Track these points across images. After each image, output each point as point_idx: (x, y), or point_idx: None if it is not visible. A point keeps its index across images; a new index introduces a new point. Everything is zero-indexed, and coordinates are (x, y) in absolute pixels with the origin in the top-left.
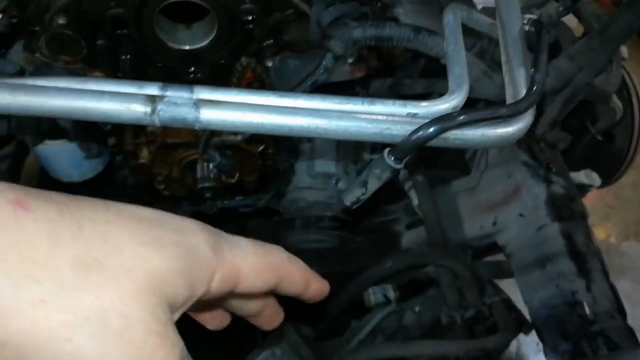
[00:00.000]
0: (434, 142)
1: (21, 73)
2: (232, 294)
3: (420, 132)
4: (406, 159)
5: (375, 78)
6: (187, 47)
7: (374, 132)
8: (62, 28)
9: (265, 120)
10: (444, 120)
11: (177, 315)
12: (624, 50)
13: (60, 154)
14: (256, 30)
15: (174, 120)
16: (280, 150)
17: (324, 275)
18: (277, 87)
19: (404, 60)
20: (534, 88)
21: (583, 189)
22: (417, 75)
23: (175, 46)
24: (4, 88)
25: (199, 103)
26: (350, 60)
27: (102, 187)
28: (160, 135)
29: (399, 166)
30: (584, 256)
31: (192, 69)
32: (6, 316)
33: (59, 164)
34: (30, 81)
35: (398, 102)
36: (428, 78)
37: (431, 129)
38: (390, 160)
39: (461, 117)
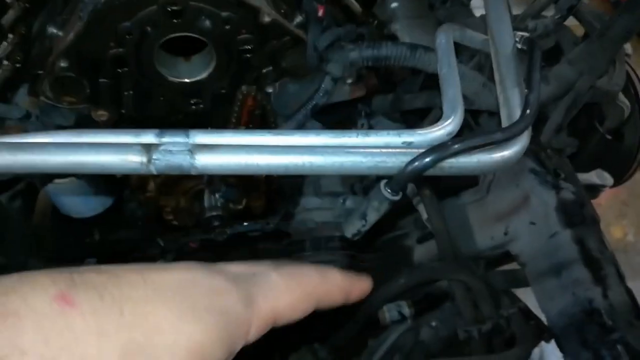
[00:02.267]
0: (430, 172)
1: (27, 117)
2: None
3: (416, 163)
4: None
5: (377, 95)
6: (188, 80)
7: (370, 165)
8: (65, 70)
9: (260, 162)
10: (439, 150)
11: None
12: (627, 46)
13: (70, 192)
14: (254, 58)
15: (170, 168)
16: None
17: None
18: (278, 111)
19: (403, 76)
20: (528, 110)
21: (595, 189)
22: (418, 89)
23: (176, 79)
24: (3, 148)
25: (194, 149)
26: (349, 81)
27: (112, 221)
28: None
29: (396, 198)
30: (598, 262)
31: (194, 100)
32: None
33: (68, 201)
34: (28, 138)
35: (392, 132)
36: (430, 90)
37: (427, 159)
38: (387, 193)
39: (456, 146)
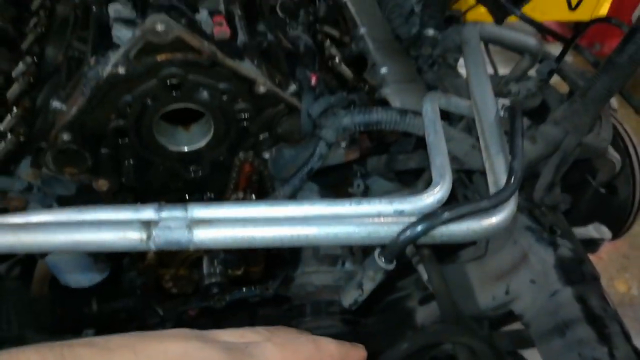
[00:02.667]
0: (421, 240)
1: (29, 189)
2: None
3: (408, 232)
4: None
5: (371, 156)
6: (187, 149)
7: (363, 235)
8: (68, 143)
9: (256, 235)
10: (429, 219)
11: None
12: (613, 100)
13: (68, 263)
14: (251, 126)
15: (169, 244)
16: None
17: None
18: (275, 176)
19: (396, 137)
20: (512, 178)
21: (595, 243)
22: (411, 149)
23: (175, 148)
24: (6, 229)
25: (191, 224)
26: (343, 145)
27: (111, 290)
28: None
29: (390, 267)
30: (602, 320)
31: (193, 167)
32: None
33: (67, 272)
34: (30, 217)
35: (384, 200)
36: (423, 149)
37: (418, 228)
38: (381, 262)
39: (445, 215)
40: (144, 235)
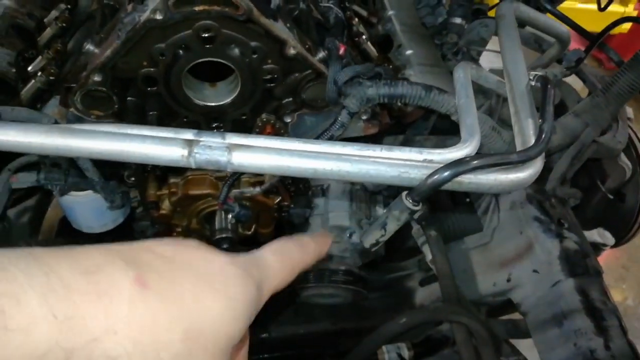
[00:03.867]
0: (448, 186)
1: None
2: None
3: (436, 176)
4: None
5: (387, 135)
6: (212, 104)
7: (393, 175)
8: (97, 85)
9: (291, 164)
10: (458, 165)
11: None
12: (629, 110)
13: (85, 205)
14: (277, 88)
15: (209, 163)
16: (296, 203)
17: (339, 332)
18: None
19: (414, 118)
20: (543, 136)
21: (596, 248)
22: (427, 133)
23: (201, 102)
24: (56, 132)
25: (231, 147)
26: (364, 117)
27: (121, 238)
28: (182, 187)
29: (416, 208)
30: (600, 313)
31: (215, 124)
32: None
33: (82, 215)
34: (78, 126)
35: (414, 149)
36: (438, 134)
37: (446, 173)
38: (408, 202)
39: (475, 162)
40: (185, 152)
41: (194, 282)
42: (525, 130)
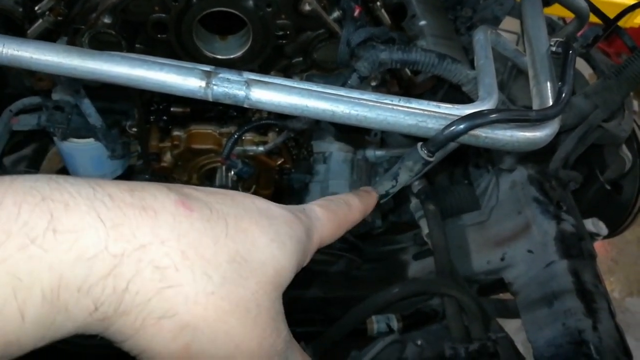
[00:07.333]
0: (465, 139)
1: None
2: None
3: (453, 127)
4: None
5: None
6: (221, 57)
7: (411, 123)
8: (107, 27)
9: (310, 104)
10: (476, 117)
11: None
12: (635, 103)
13: (86, 152)
14: (288, 46)
15: (226, 96)
16: (297, 167)
17: (330, 300)
18: None
19: (423, 90)
20: (562, 97)
21: (589, 237)
22: None
23: (210, 55)
24: (75, 53)
25: (250, 82)
26: (373, 84)
27: None
28: (185, 140)
29: (431, 159)
30: (591, 295)
31: None
32: (189, 303)
33: (82, 163)
34: (97, 52)
35: (432, 102)
36: None
37: (463, 125)
38: (423, 153)
39: (492, 115)
40: (203, 83)
41: (240, 214)
42: (543, 93)
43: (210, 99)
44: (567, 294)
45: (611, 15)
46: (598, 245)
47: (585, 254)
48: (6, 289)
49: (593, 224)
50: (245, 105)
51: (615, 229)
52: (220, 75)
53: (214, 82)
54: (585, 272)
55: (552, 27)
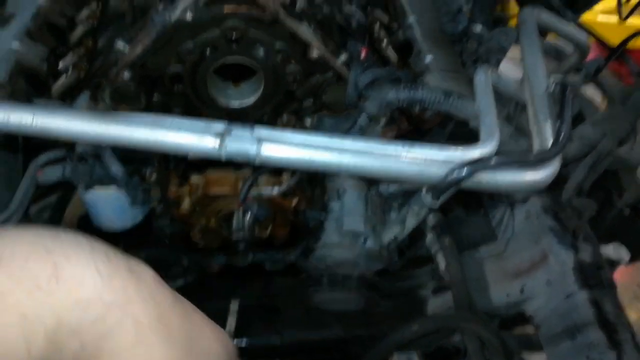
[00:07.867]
0: (467, 184)
1: None
2: None
3: (455, 173)
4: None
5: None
6: (235, 104)
7: (414, 172)
8: (127, 81)
9: (317, 158)
10: (477, 163)
11: None
12: None
13: (108, 201)
14: (298, 90)
15: (239, 154)
16: (312, 205)
17: (350, 339)
18: None
19: (432, 125)
20: (560, 138)
21: (611, 264)
22: (445, 140)
23: (224, 103)
24: (96, 118)
25: (260, 140)
26: (382, 123)
27: (139, 237)
28: (203, 186)
29: (435, 204)
30: (614, 326)
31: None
32: None
33: (104, 211)
34: (115, 115)
35: (435, 146)
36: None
37: (464, 172)
38: (427, 199)
39: (492, 161)
40: (216, 143)
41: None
42: (543, 133)
43: (224, 159)
44: (590, 326)
45: (618, 36)
46: (621, 270)
47: (605, 283)
48: (17, 329)
49: (614, 250)
50: (257, 163)
51: (637, 254)
52: (233, 134)
53: (226, 142)
54: (606, 302)
55: (559, 53)
